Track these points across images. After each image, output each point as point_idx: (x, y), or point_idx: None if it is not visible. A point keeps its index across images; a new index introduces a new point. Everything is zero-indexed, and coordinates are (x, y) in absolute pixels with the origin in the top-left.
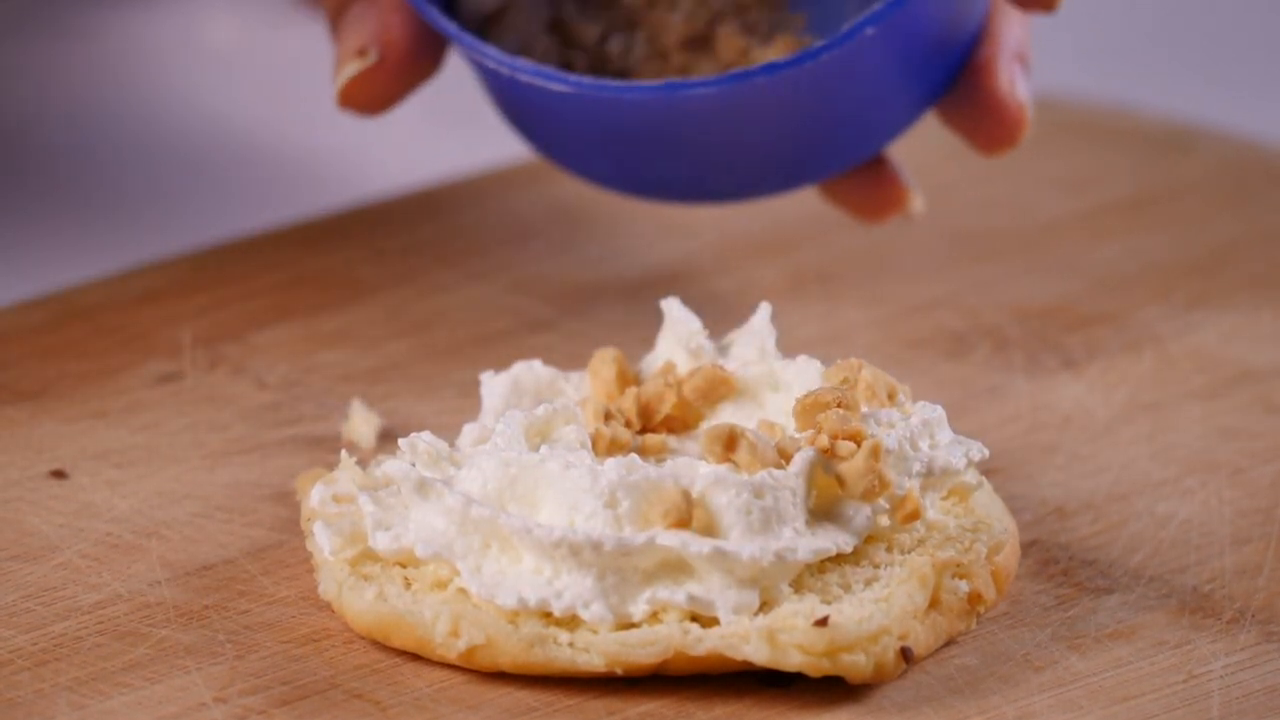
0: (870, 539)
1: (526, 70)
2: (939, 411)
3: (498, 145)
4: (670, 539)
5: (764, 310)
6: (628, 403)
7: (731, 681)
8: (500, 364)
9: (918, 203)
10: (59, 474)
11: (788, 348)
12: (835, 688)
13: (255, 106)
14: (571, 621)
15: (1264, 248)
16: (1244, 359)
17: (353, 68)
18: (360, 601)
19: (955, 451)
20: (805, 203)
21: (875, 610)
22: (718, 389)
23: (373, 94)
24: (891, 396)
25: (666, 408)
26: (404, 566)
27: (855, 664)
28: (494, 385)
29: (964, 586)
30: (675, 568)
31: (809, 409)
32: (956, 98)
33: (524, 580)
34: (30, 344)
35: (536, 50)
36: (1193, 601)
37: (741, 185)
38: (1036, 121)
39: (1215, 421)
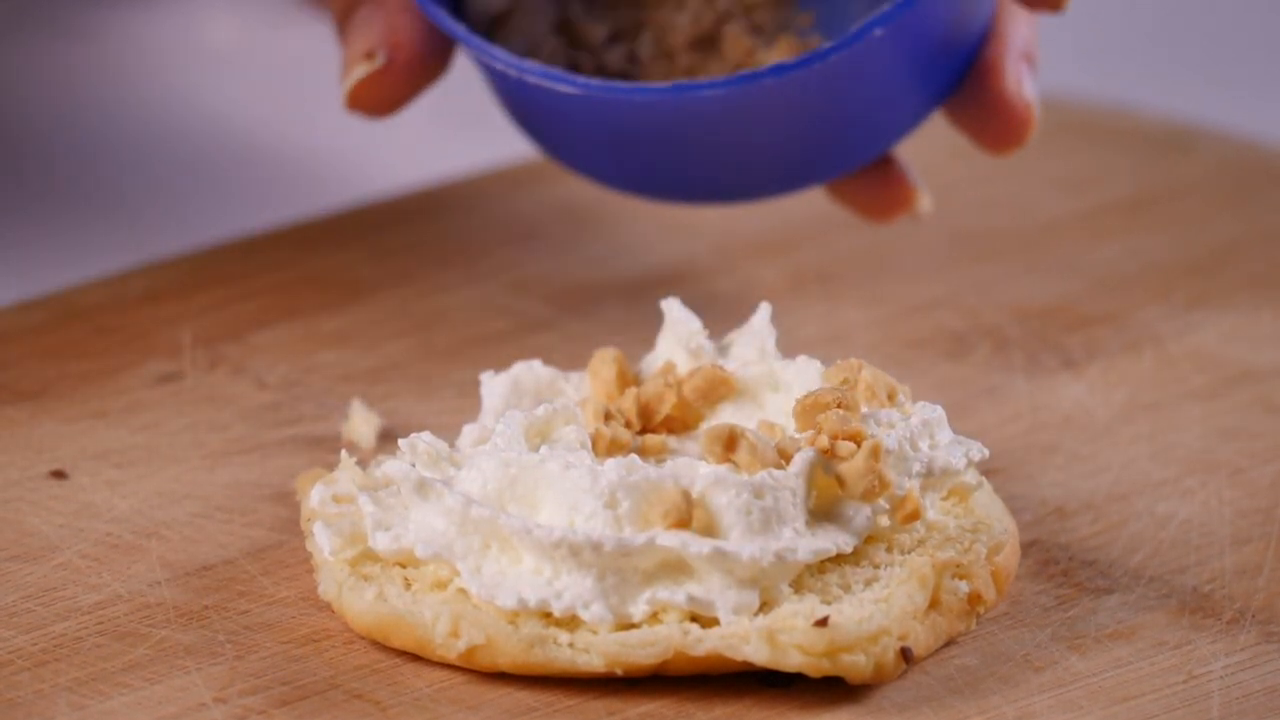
0: (870, 539)
1: (534, 72)
2: (939, 412)
3: (498, 145)
4: (670, 539)
5: (764, 310)
6: (628, 403)
7: (731, 682)
8: (500, 364)
9: (925, 202)
10: (59, 474)
11: (788, 348)
12: (835, 688)
13: (255, 106)
14: (571, 622)
15: (1264, 248)
16: (1244, 359)
17: (361, 70)
18: (360, 602)
19: (955, 452)
20: (806, 203)
21: (875, 611)
22: (718, 389)
23: (381, 96)
24: (891, 397)
25: (666, 408)
26: (404, 567)
27: (855, 664)
28: (494, 385)
29: (964, 587)
30: (675, 568)
31: (809, 409)
32: (964, 98)
33: (524, 581)
34: (30, 344)
35: (544, 51)
36: (1193, 602)
37: (749, 186)
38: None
39: (1215, 421)
